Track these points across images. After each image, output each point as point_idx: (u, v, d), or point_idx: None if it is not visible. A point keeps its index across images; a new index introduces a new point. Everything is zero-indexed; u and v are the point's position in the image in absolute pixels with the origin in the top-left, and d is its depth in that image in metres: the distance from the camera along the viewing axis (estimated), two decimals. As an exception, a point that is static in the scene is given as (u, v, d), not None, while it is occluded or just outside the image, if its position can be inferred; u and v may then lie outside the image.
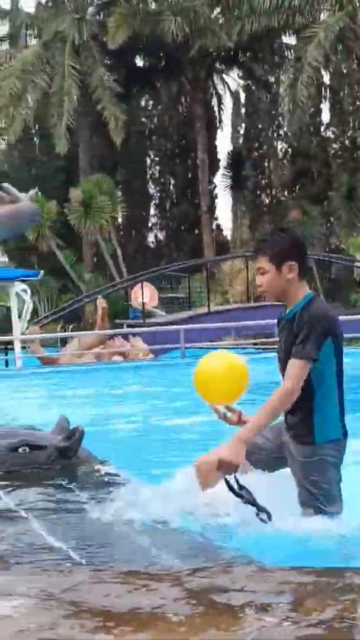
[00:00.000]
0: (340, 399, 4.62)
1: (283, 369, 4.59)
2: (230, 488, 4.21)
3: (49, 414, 8.22)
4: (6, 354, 21.82)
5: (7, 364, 21.25)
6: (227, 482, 4.35)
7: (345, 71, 39.12)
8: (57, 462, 6.35)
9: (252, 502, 4.16)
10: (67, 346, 22.49)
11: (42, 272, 24.95)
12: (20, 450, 6.31)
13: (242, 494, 4.22)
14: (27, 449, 6.35)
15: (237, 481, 4.21)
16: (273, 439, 4.75)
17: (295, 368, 4.42)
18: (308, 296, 4.63)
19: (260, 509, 4.17)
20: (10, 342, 21.41)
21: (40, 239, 31.77)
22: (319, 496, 4.58)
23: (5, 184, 7.23)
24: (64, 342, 23.59)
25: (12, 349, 21.23)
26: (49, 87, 34.09)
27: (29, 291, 22.33)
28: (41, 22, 36.35)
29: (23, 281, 22.29)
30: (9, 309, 22.74)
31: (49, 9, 37.47)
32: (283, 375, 4.59)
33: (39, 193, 20.67)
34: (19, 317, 21.41)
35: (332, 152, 42.21)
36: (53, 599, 2.92)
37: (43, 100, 34.62)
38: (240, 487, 4.24)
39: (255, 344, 23.14)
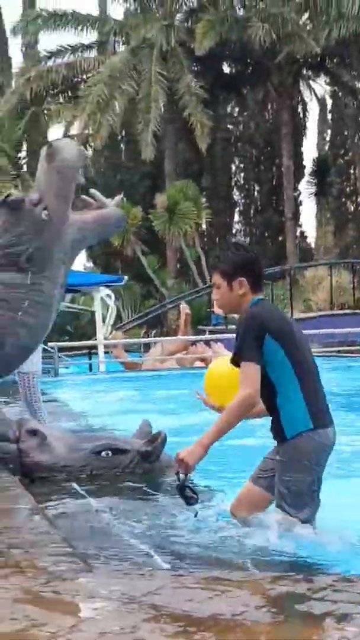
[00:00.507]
0: (311, 391, 4.67)
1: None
2: (179, 485, 4.52)
3: (132, 418, 8.42)
4: (90, 359, 22.40)
5: (90, 369, 21.74)
6: (178, 478, 4.62)
7: None
8: (139, 467, 6.58)
9: (188, 502, 4.55)
10: (150, 351, 22.89)
11: (126, 277, 25.54)
12: (103, 454, 6.57)
13: (185, 494, 4.54)
14: (110, 453, 6.60)
15: (187, 480, 4.56)
16: (273, 456, 4.86)
17: (240, 374, 4.53)
18: (249, 304, 4.77)
19: (179, 477, 4.55)
20: (94, 347, 22.00)
21: (125, 244, 32.34)
22: (287, 497, 4.61)
23: (93, 190, 7.32)
24: (147, 347, 23.99)
25: (96, 354, 21.92)
26: (136, 93, 34.54)
27: (113, 296, 22.87)
28: (129, 29, 36.79)
29: (107, 286, 22.93)
30: (93, 313, 23.28)
31: (138, 15, 38.00)
32: None
33: (125, 199, 21.09)
34: (103, 322, 22.00)
35: None
36: (134, 602, 2.98)
37: (130, 106, 35.15)
38: (189, 488, 4.55)
39: (339, 351, 23.02)
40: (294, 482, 4.63)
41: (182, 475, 4.45)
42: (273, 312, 4.94)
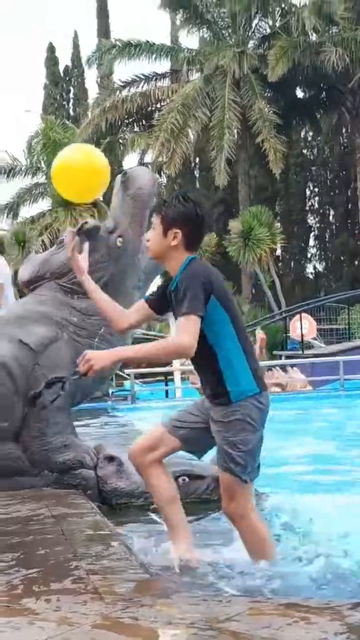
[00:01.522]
0: (250, 353, 4.70)
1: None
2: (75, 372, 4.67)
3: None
4: (166, 385, 22.58)
5: (167, 395, 21.98)
6: (73, 374, 4.79)
7: None
8: (215, 493, 6.32)
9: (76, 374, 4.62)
10: None
11: None
12: (180, 480, 6.51)
13: (76, 371, 4.63)
14: (187, 479, 6.64)
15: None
16: (198, 412, 4.84)
17: (181, 324, 4.44)
18: (185, 261, 4.66)
19: (75, 374, 4.60)
20: (171, 373, 22.18)
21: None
22: (234, 457, 4.61)
23: None
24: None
25: (172, 380, 22.10)
26: (209, 120, 34.85)
27: None
28: (202, 57, 37.28)
29: None
30: None
31: (210, 43, 38.49)
32: None
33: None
34: None
35: None
36: (212, 629, 3.01)
37: (203, 133, 35.56)
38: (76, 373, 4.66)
39: None
40: (240, 442, 4.64)
41: (76, 377, 4.58)
42: (215, 271, 4.88)
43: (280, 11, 38.23)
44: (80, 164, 5.84)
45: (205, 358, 4.59)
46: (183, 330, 4.45)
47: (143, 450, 4.90)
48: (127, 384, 18.81)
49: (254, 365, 4.67)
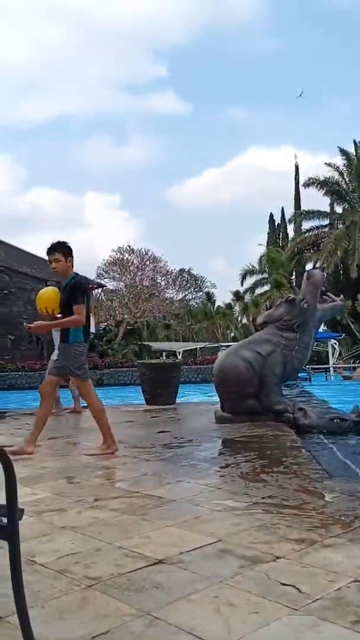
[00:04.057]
0: (87, 327, 6.76)
1: (65, 312, 6.76)
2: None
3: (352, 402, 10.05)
4: (326, 373, 29.10)
5: (326, 379, 28.04)
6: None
7: None
8: (354, 429, 8.25)
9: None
10: (357, 370, 29.41)
11: (343, 334, 36.69)
12: (335, 420, 8.47)
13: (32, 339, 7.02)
14: (338, 420, 8.44)
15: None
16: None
17: (77, 308, 6.55)
18: (73, 275, 6.74)
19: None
20: (328, 369, 29.80)
21: (340, 317, 36.53)
22: (73, 367, 6.64)
23: (328, 293, 10.29)
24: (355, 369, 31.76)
25: (329, 371, 29.56)
26: (348, 244, 42.17)
27: (337, 343, 33.07)
28: (344, 217, 45.68)
29: (334, 338, 32.58)
30: (326, 353, 33.14)
31: (350, 211, 46.04)
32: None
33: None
34: (332, 356, 31.49)
35: None
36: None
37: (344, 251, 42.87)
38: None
39: None
40: (75, 360, 6.68)
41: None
42: (84, 280, 7.02)
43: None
44: (47, 293, 7.15)
45: (66, 329, 6.75)
46: (80, 312, 6.56)
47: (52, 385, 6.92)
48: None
49: (89, 332, 6.86)
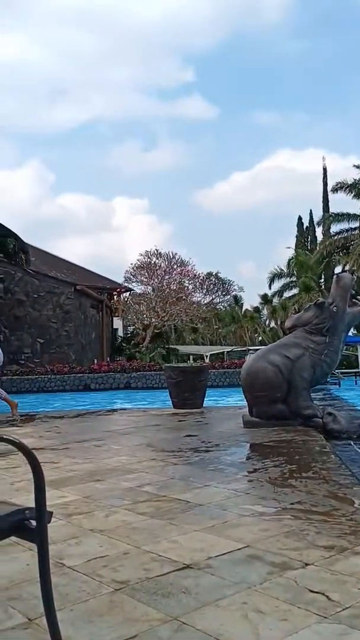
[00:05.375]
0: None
1: None
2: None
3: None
4: (355, 377, 28.62)
5: (356, 382, 27.70)
6: None
7: None
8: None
9: None
10: None
11: None
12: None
13: None
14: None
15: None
16: None
17: None
18: None
19: None
20: (358, 373, 29.09)
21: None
22: None
23: (358, 297, 10.39)
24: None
25: (359, 375, 28.87)
26: None
27: None
28: None
29: None
30: (356, 357, 32.38)
31: None
32: None
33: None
34: None
35: None
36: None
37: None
38: None
39: None
40: None
41: None
42: None
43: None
44: None
45: None
46: None
47: None
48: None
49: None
